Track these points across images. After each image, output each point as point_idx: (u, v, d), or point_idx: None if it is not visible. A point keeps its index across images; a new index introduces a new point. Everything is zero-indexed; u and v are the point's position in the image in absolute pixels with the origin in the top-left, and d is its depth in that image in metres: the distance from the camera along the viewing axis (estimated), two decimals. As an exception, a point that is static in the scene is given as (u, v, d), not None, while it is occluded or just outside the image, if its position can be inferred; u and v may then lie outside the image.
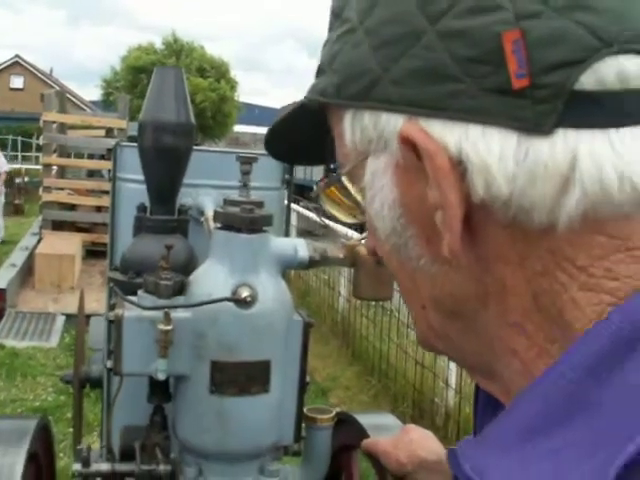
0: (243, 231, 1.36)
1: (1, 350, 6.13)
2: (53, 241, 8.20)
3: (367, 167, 0.51)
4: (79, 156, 11.64)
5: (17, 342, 6.34)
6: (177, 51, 36.54)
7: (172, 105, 1.67)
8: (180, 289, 1.40)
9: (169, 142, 1.66)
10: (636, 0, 0.44)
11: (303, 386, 1.49)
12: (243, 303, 1.31)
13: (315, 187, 0.60)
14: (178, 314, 1.34)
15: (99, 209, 8.97)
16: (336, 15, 0.53)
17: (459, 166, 0.45)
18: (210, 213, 1.74)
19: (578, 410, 0.43)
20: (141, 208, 1.76)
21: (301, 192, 16.29)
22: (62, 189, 9.29)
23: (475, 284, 0.49)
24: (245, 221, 1.35)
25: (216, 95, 33.68)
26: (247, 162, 1.43)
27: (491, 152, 0.44)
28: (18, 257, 8.06)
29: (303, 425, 1.54)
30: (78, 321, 2.65)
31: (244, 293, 1.31)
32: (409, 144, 0.46)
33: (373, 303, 6.14)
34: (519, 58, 0.42)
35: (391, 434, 1.61)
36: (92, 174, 11.43)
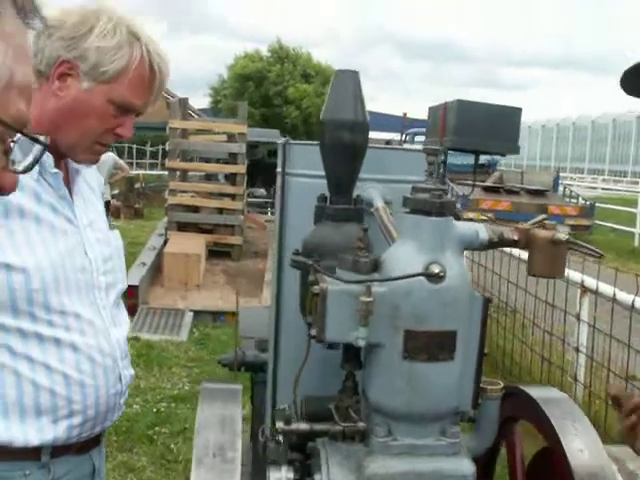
0: (432, 214, 1.52)
1: (137, 342, 6.54)
2: (179, 241, 8.63)
3: None
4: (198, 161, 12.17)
5: (150, 335, 6.76)
6: (282, 57, 37.31)
7: (350, 105, 1.85)
8: (375, 266, 1.58)
9: (348, 138, 1.84)
10: None
11: (481, 356, 1.64)
12: (436, 278, 1.48)
13: None
14: (375, 288, 1.52)
15: (221, 211, 9.40)
16: None
17: None
18: (379, 204, 1.93)
19: None
20: (321, 198, 1.95)
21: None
22: (185, 192, 9.75)
23: None
24: (435, 206, 1.52)
25: (321, 100, 34.10)
26: (432, 153, 1.59)
27: None
28: (147, 256, 8.52)
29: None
30: (236, 314, 3.04)
31: (436, 269, 1.48)
32: None
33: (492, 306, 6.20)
34: None
35: (559, 406, 1.74)
36: (209, 177, 11.94)
